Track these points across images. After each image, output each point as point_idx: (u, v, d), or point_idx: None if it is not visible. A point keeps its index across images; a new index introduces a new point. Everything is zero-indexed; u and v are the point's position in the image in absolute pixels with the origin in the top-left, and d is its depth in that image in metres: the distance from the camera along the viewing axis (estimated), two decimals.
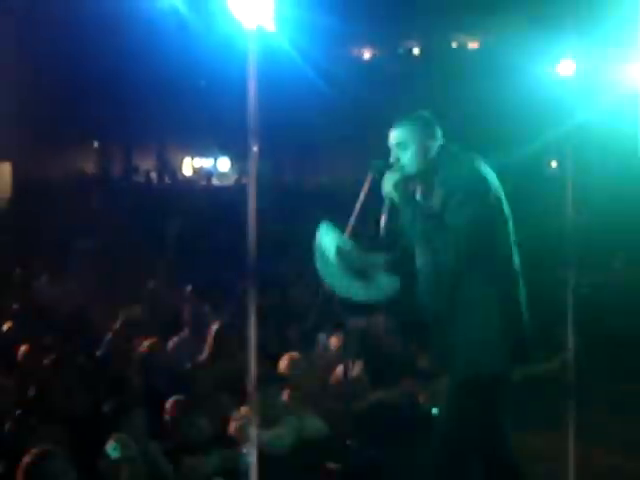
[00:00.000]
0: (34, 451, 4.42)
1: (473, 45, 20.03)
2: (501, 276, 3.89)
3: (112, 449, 4.68)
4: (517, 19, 16.21)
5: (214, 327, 6.95)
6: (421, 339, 6.85)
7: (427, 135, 4.06)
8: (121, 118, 19.44)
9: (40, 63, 16.92)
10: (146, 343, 6.55)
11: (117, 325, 7.06)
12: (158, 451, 5.08)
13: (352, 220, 4.19)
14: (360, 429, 5.68)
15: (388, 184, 4.02)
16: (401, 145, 4.05)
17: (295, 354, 6.47)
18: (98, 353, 6.84)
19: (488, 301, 3.85)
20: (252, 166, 3.92)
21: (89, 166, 22.23)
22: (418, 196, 4.11)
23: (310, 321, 7.21)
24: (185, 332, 7.07)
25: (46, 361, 5.91)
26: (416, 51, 20.67)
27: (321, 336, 7.08)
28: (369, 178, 4.21)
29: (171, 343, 6.93)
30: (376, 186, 4.20)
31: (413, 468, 5.46)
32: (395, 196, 4.00)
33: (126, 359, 6.41)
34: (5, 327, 6.94)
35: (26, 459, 4.37)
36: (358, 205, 4.19)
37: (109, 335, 6.92)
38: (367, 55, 20.69)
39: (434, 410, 6.40)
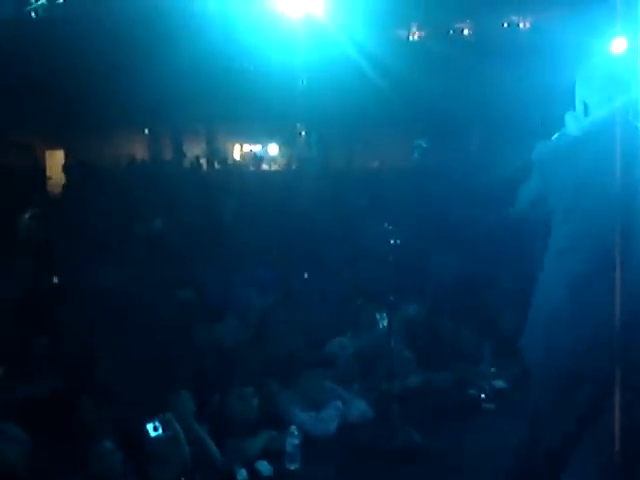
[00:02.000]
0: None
1: (525, 25, 19.68)
2: None
3: (152, 428, 4.75)
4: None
5: (259, 310, 7.00)
6: None
7: None
8: (171, 106, 19.61)
9: (92, 51, 17.12)
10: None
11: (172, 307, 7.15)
12: (204, 432, 5.13)
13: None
14: (406, 412, 5.65)
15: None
16: None
17: (341, 337, 6.48)
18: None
19: None
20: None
21: (139, 153, 22.49)
22: None
23: (356, 303, 7.21)
24: (231, 314, 7.11)
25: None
26: (466, 32, 20.36)
27: (378, 316, 7.03)
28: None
29: (219, 325, 6.97)
30: (419, 166, 4.16)
31: (458, 452, 5.44)
32: None
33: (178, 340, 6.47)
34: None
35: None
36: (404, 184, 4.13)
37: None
38: (416, 36, 20.47)
39: (482, 396, 6.36)
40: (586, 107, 3.42)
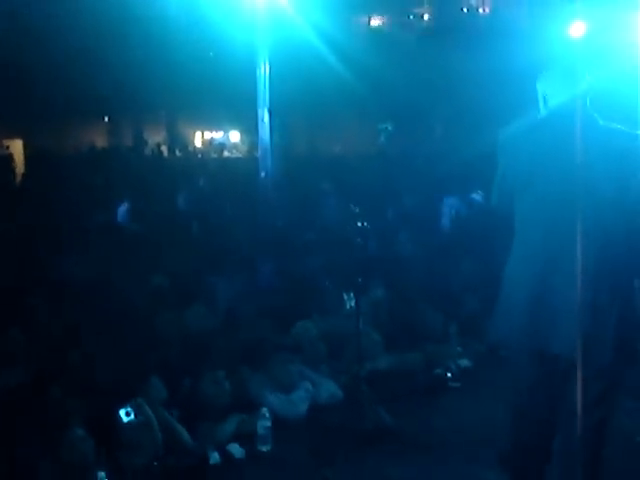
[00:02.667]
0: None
1: (484, 10, 19.84)
2: None
3: (124, 413, 4.77)
4: None
5: (227, 296, 7.02)
6: None
7: None
8: (131, 93, 19.45)
9: (50, 39, 16.90)
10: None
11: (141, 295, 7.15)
12: (175, 417, 5.15)
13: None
14: (375, 393, 5.73)
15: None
16: None
17: (307, 320, 6.52)
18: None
19: None
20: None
21: (99, 141, 22.29)
22: None
23: (323, 286, 7.26)
24: (200, 301, 7.12)
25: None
26: (426, 17, 20.47)
27: (346, 297, 7.09)
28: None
29: (188, 312, 6.98)
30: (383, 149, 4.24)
31: (427, 431, 5.54)
32: None
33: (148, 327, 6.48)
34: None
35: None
36: (368, 167, 4.23)
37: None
38: (377, 22, 20.51)
39: (448, 374, 6.47)
40: (545, 100, 3.64)
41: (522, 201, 3.54)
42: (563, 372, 3.40)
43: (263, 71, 13.66)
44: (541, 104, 3.68)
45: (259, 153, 11.20)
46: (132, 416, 4.87)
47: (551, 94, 3.62)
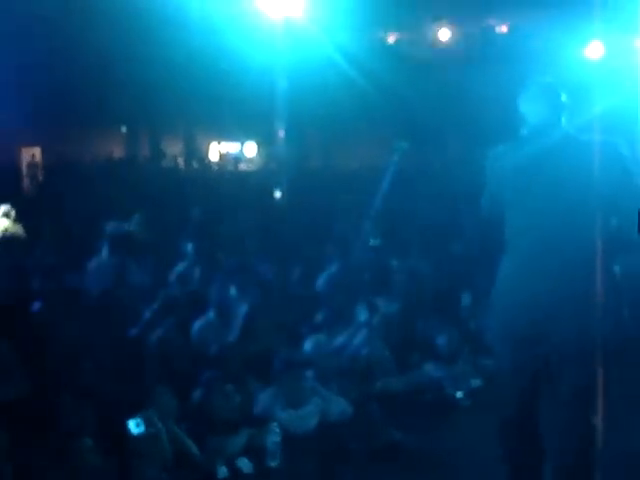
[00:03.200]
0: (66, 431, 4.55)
1: (502, 29, 19.86)
2: None
3: (134, 425, 4.77)
4: (545, 1, 16.06)
5: (243, 309, 7.02)
6: None
7: None
8: (149, 104, 19.58)
9: (69, 49, 17.05)
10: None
11: (155, 306, 7.18)
12: (184, 431, 5.16)
13: (379, 199, 4.35)
14: (385, 410, 5.72)
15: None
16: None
17: (319, 335, 6.52)
18: (132, 332, 6.95)
19: None
20: None
21: (117, 151, 22.42)
22: None
23: (335, 302, 7.26)
24: (211, 314, 7.14)
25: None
26: (443, 36, 20.49)
27: (359, 311, 7.07)
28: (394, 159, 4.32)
29: (198, 324, 7.00)
30: (399, 167, 4.28)
31: (437, 449, 5.52)
32: None
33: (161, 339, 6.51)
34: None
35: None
36: (385, 185, 4.34)
37: (147, 315, 7.04)
38: (394, 38, 20.56)
39: (458, 394, 6.45)
40: (525, 119, 3.94)
41: (511, 216, 3.82)
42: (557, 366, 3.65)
43: (281, 85, 13.82)
44: (522, 123, 3.94)
45: (275, 167, 11.24)
46: (142, 428, 4.88)
47: (530, 113, 3.90)
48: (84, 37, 16.76)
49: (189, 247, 8.92)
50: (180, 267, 8.27)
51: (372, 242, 5.14)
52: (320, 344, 6.45)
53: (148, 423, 4.91)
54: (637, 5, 10.74)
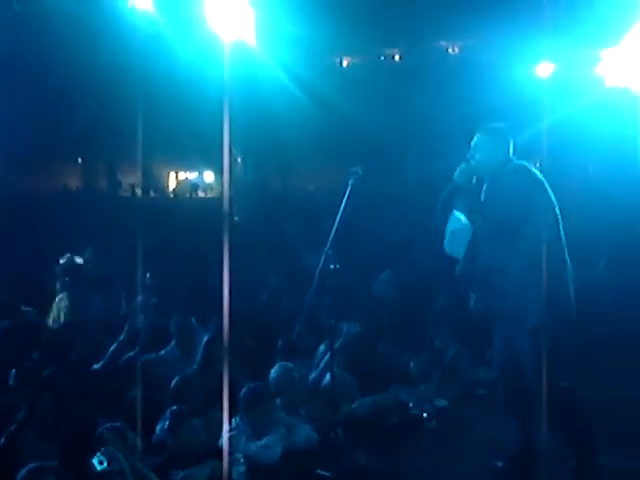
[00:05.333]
0: (28, 468, 4.44)
1: (453, 50, 20.15)
2: None
3: (97, 462, 4.68)
4: (496, 23, 16.34)
5: (205, 339, 6.97)
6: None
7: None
8: (104, 134, 19.45)
9: (21, 79, 16.88)
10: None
11: (122, 337, 7.10)
12: (148, 464, 5.08)
13: (336, 225, 4.55)
14: (350, 435, 5.70)
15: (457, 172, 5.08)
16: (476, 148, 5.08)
17: (284, 364, 6.48)
18: (96, 366, 6.87)
19: None
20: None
21: (73, 182, 22.23)
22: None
23: (297, 329, 7.23)
24: (172, 345, 7.07)
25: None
26: (397, 57, 20.71)
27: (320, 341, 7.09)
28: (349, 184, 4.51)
29: (159, 356, 6.93)
30: (355, 192, 4.44)
31: (403, 474, 5.52)
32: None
33: (124, 372, 6.43)
34: None
35: (21, 475, 4.39)
36: (341, 210, 4.53)
37: (112, 347, 6.97)
38: (349, 63, 20.74)
39: (424, 414, 6.46)
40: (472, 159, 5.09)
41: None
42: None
43: (236, 111, 13.83)
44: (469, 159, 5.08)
45: (232, 193, 11.20)
46: (105, 464, 4.79)
47: (480, 153, 5.07)
48: (37, 67, 16.62)
49: (147, 278, 8.84)
50: (140, 299, 8.18)
51: (332, 267, 5.14)
52: (285, 371, 6.39)
53: (111, 459, 4.82)
54: (585, 25, 11.02)
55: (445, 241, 5.22)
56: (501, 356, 5.12)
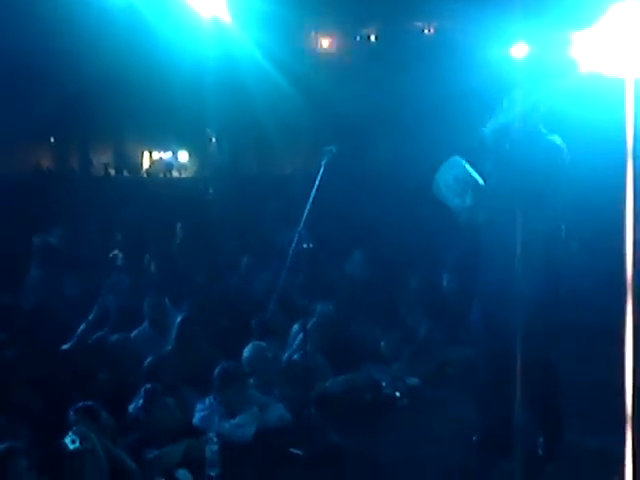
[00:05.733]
0: None
1: (429, 31, 20.13)
2: None
3: (70, 441, 4.67)
4: (471, 3, 16.33)
5: (178, 319, 6.95)
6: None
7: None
8: (77, 113, 19.24)
9: None
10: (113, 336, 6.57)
11: (90, 317, 7.06)
12: (121, 444, 5.07)
13: (309, 204, 4.49)
14: (322, 414, 5.73)
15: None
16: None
17: (257, 343, 6.49)
18: (65, 347, 6.83)
19: None
20: None
21: (45, 162, 22.00)
22: None
23: (270, 309, 7.24)
24: (145, 325, 7.05)
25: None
26: (373, 37, 20.68)
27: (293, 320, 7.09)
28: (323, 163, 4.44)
29: (133, 336, 6.90)
30: (328, 171, 4.40)
31: (376, 452, 5.55)
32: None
33: (94, 352, 6.40)
34: None
35: None
36: (314, 189, 4.47)
37: (81, 327, 6.93)
38: (325, 44, 20.68)
39: (396, 393, 6.50)
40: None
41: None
42: None
43: (211, 91, 13.75)
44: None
45: (207, 173, 11.16)
46: (77, 444, 4.77)
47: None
48: (6, 44, 16.37)
49: (120, 258, 8.79)
50: (112, 278, 8.14)
51: (305, 246, 5.14)
52: (259, 351, 6.39)
53: (83, 438, 4.81)
54: (560, 5, 11.01)
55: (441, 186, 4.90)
56: (481, 334, 5.06)
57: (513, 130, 4.52)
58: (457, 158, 4.86)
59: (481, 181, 4.80)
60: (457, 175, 4.81)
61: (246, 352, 6.35)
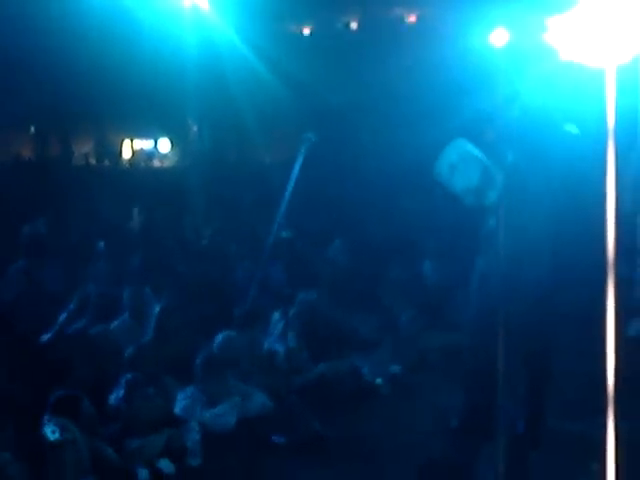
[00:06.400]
0: None
1: (411, 18, 20.11)
2: None
3: (50, 432, 4.66)
4: None
5: (158, 308, 6.92)
6: None
7: None
8: (57, 102, 19.07)
9: None
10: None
11: (71, 306, 7.02)
12: (102, 435, 5.06)
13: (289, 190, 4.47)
14: (304, 402, 5.73)
15: None
16: None
17: (227, 333, 6.43)
18: (46, 337, 6.79)
19: None
20: None
21: (26, 152, 21.81)
22: None
23: (251, 297, 7.22)
24: (126, 315, 7.02)
25: None
26: (354, 25, 20.62)
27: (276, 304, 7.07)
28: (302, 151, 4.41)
29: (113, 325, 6.87)
30: (308, 159, 4.38)
31: (358, 439, 5.57)
32: None
33: (75, 343, 6.37)
34: None
35: None
36: (293, 176, 4.45)
37: (62, 316, 6.89)
38: (305, 31, 20.60)
39: (378, 380, 6.52)
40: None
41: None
42: None
43: (193, 80, 13.70)
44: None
45: (188, 163, 11.11)
46: (57, 434, 4.76)
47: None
48: None
49: (101, 247, 8.75)
50: (93, 268, 8.10)
51: (284, 234, 5.13)
52: (227, 340, 6.34)
53: (64, 429, 4.79)
54: None
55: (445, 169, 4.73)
56: (477, 320, 4.95)
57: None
58: (461, 139, 4.69)
59: (488, 162, 4.62)
60: (463, 155, 4.63)
61: (215, 343, 6.30)
